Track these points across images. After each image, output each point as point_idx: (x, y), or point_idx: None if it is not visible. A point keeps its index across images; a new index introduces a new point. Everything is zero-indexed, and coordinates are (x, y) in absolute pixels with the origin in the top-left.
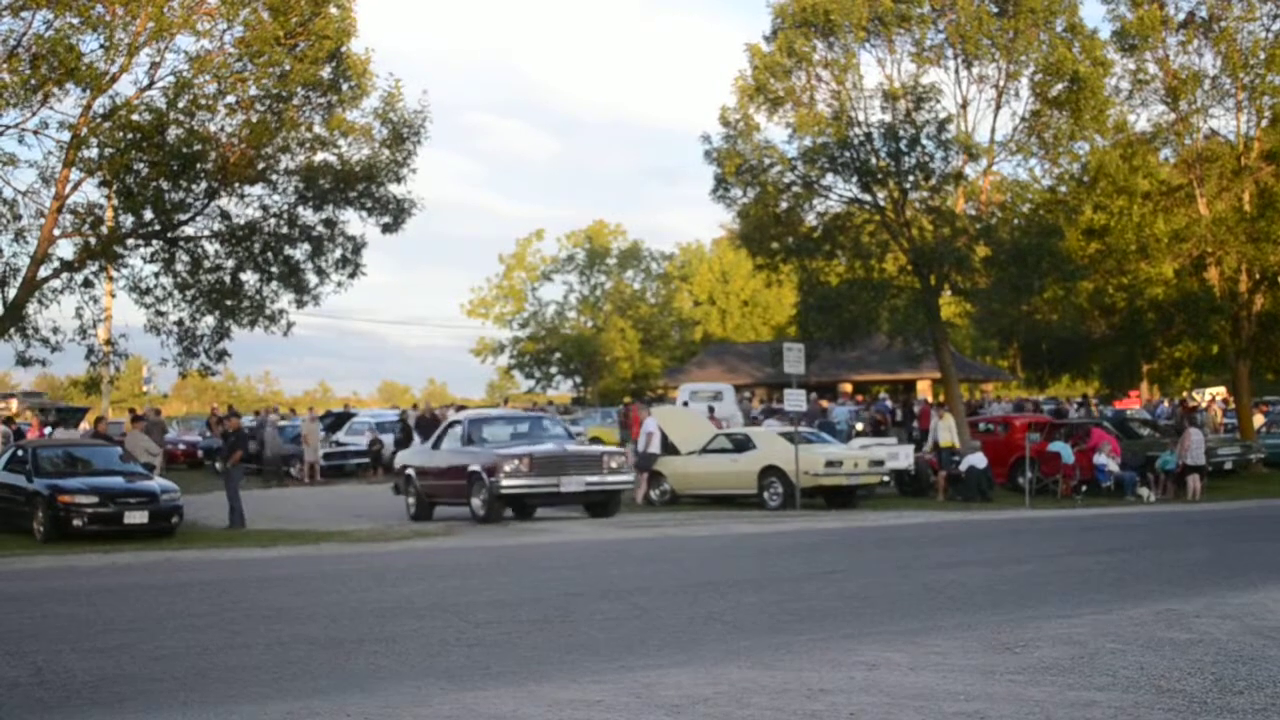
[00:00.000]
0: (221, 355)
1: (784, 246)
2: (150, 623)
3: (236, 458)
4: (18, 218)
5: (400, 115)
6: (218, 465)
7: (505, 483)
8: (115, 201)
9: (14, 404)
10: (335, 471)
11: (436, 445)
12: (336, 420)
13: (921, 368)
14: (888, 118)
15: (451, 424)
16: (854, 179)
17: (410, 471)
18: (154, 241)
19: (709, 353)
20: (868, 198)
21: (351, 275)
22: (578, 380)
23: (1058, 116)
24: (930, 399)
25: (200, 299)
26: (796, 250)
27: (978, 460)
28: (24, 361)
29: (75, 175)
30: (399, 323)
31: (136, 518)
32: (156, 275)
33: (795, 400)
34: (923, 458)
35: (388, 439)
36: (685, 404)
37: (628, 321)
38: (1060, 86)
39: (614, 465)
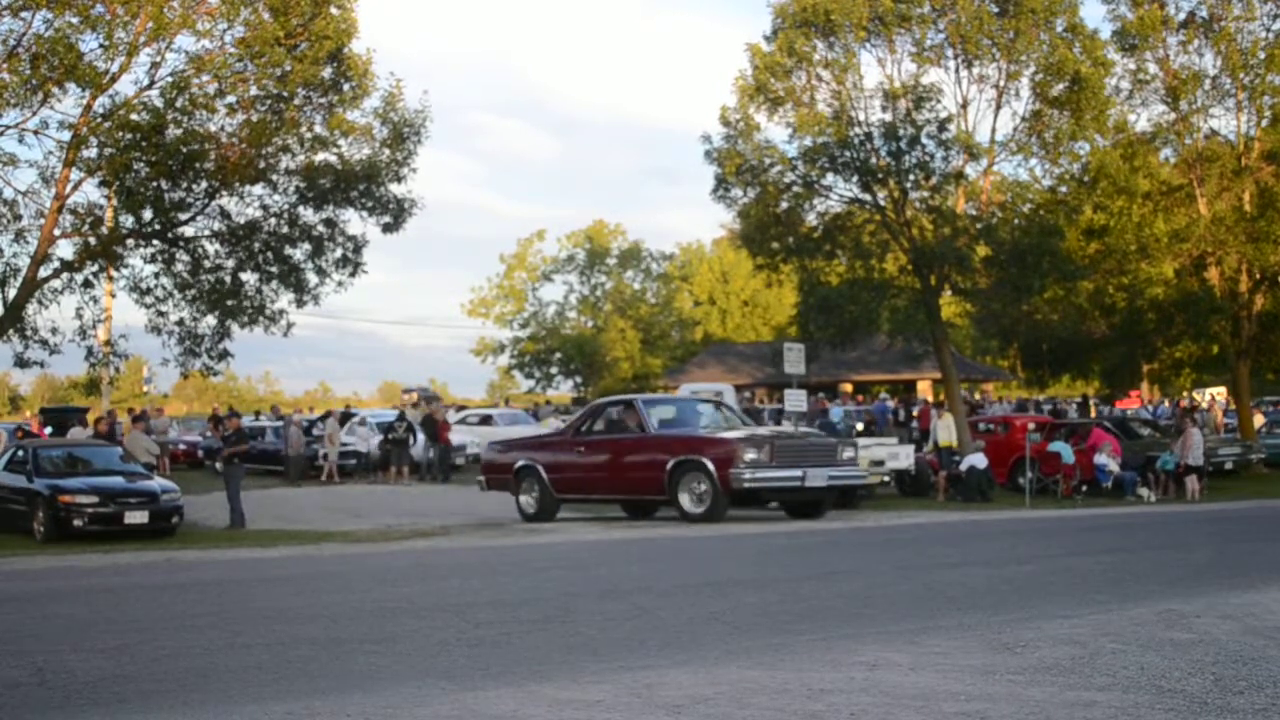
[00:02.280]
0: (223, 355)
1: (784, 246)
2: (150, 623)
3: (241, 449)
4: (18, 218)
5: (401, 115)
6: (218, 465)
7: (745, 475)
8: (115, 201)
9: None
10: (340, 471)
11: (581, 431)
12: (339, 420)
13: (922, 368)
14: (888, 117)
15: (602, 406)
16: (854, 179)
17: (534, 464)
18: (154, 241)
19: (709, 353)
20: (868, 197)
21: (352, 275)
22: (578, 380)
23: (1058, 116)
24: (930, 399)
25: (200, 299)
26: (797, 250)
27: (978, 460)
28: (22, 363)
29: (75, 175)
30: (399, 323)
31: (137, 518)
32: (157, 275)
33: (795, 400)
34: (923, 458)
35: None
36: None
37: (628, 321)
38: (1061, 86)
39: (848, 456)
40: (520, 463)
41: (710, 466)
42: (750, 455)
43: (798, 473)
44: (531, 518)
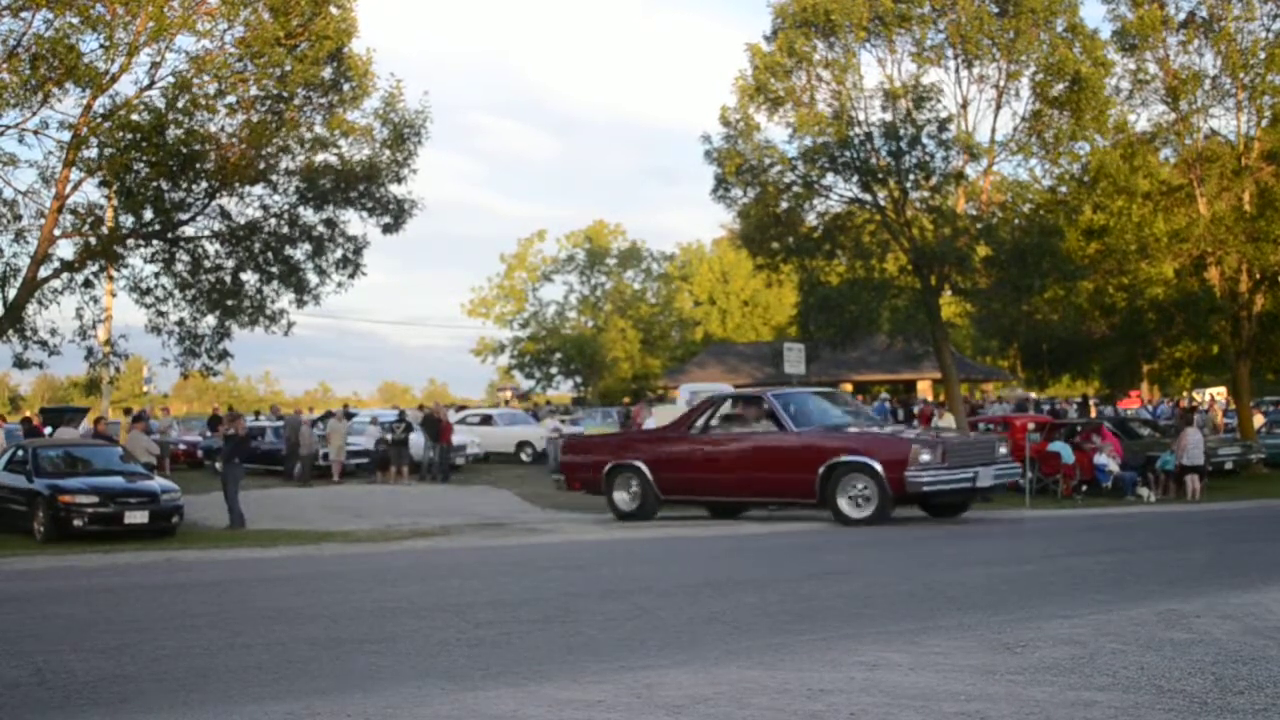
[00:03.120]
0: (223, 355)
1: (784, 246)
2: (150, 623)
3: (239, 428)
4: (18, 218)
5: (401, 115)
6: (218, 465)
7: (922, 476)
8: (115, 201)
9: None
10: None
11: (696, 427)
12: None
13: (922, 368)
14: (888, 117)
15: (720, 401)
16: (854, 179)
17: (635, 462)
18: (154, 241)
19: (709, 353)
20: (868, 197)
21: (352, 275)
22: (578, 380)
23: (1058, 116)
24: (930, 399)
25: (200, 299)
26: (797, 250)
27: None
28: (21, 364)
29: (75, 175)
30: (399, 323)
31: (137, 518)
32: (157, 275)
33: None
34: None
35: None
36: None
37: (628, 321)
38: (1061, 86)
39: (1004, 453)
40: (616, 461)
41: (878, 468)
42: (925, 456)
43: (969, 473)
44: (627, 516)
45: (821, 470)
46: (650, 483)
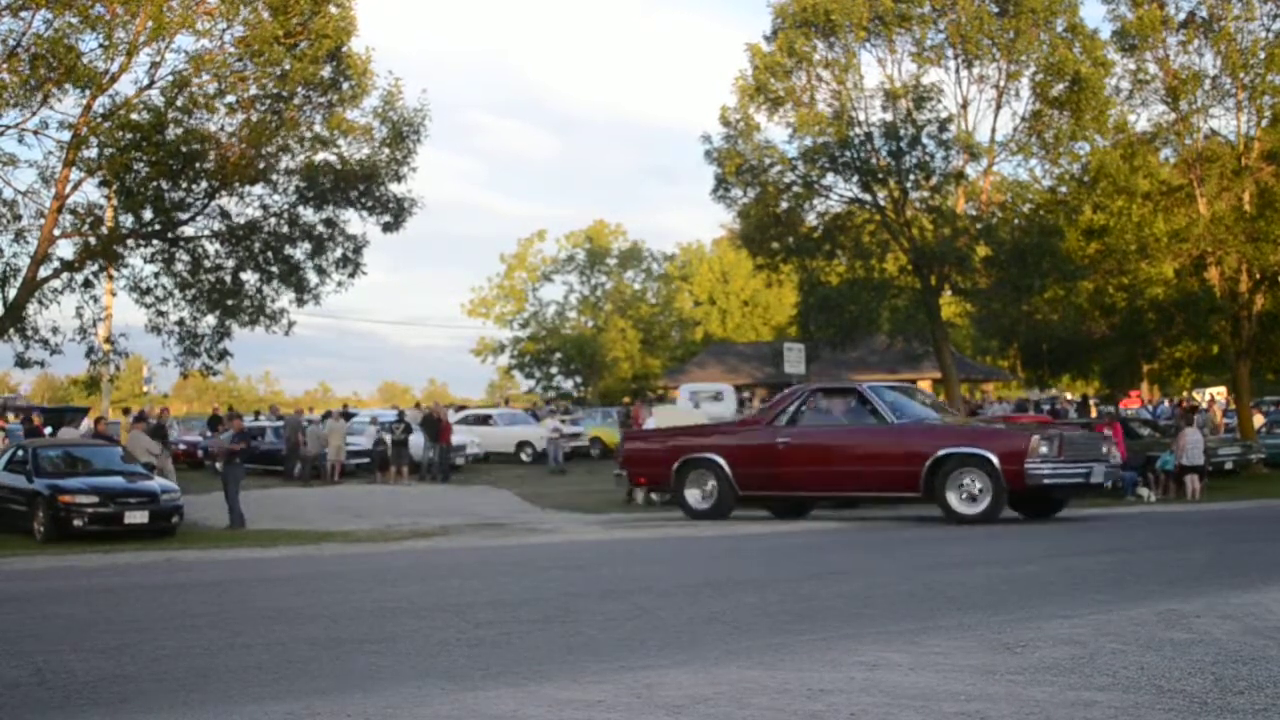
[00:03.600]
0: (223, 355)
1: (784, 246)
2: (151, 623)
3: (236, 449)
4: (18, 218)
5: (400, 114)
6: (218, 465)
7: (1043, 470)
8: (115, 201)
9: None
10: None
11: (780, 420)
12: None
13: (922, 368)
14: (888, 117)
15: (806, 393)
16: (854, 179)
17: (711, 456)
18: (154, 241)
19: (709, 353)
20: (868, 197)
21: (352, 275)
22: (578, 380)
23: (1058, 116)
24: None
25: (200, 299)
26: (797, 250)
27: None
28: (23, 363)
29: (75, 175)
30: (399, 323)
31: (137, 518)
32: (156, 275)
33: None
34: None
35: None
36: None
37: (628, 321)
38: (1061, 86)
39: (1110, 450)
40: (689, 455)
41: (994, 460)
42: (1044, 450)
43: (1084, 468)
44: (701, 514)
45: (929, 463)
46: (729, 478)
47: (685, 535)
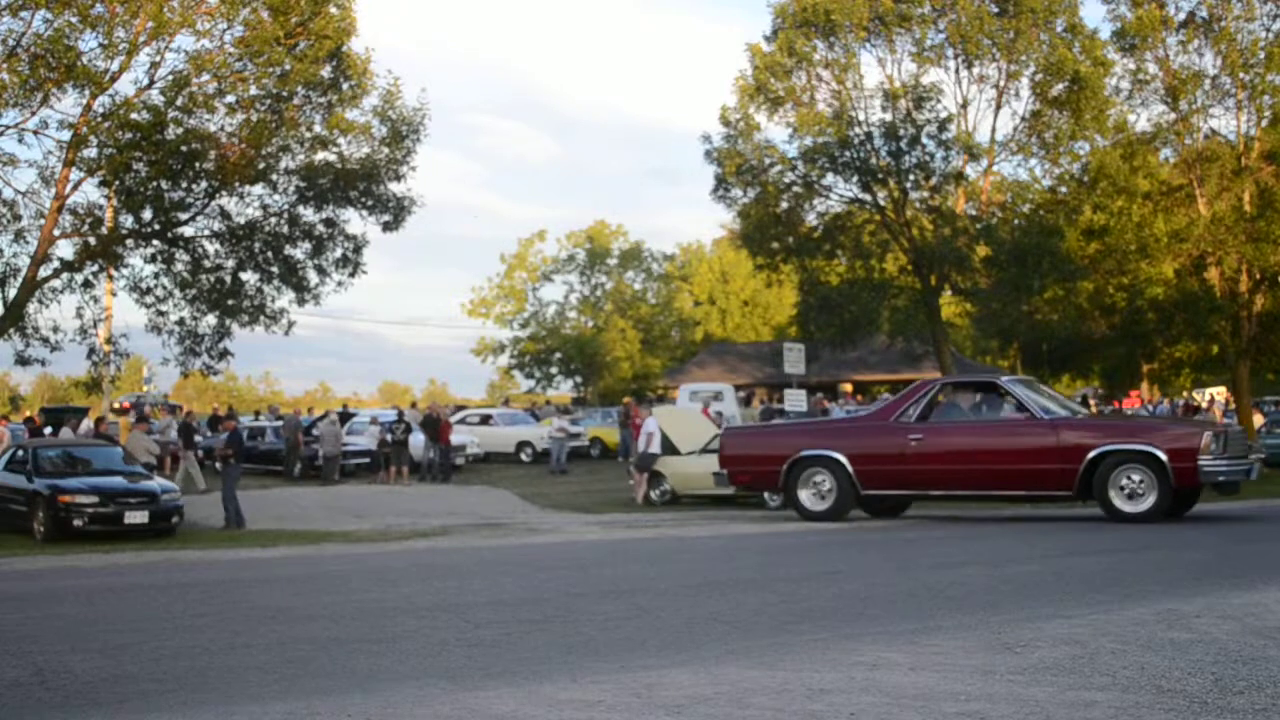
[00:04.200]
0: (223, 355)
1: (784, 246)
2: (151, 623)
3: (228, 453)
4: (18, 218)
5: (400, 114)
6: (217, 465)
7: (1216, 465)
8: (115, 201)
9: None
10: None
11: (908, 415)
12: (339, 420)
13: (922, 368)
14: (888, 117)
15: (937, 388)
16: (854, 179)
17: (830, 453)
18: (154, 241)
19: (709, 353)
20: (868, 198)
21: (352, 274)
22: (578, 380)
23: (1058, 116)
24: None
25: (200, 299)
26: (797, 250)
27: None
28: (24, 361)
29: (75, 175)
30: (399, 323)
31: (137, 518)
32: (157, 275)
33: (795, 400)
34: None
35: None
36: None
37: (628, 321)
38: (1060, 86)
39: (1251, 445)
40: (805, 452)
41: (1162, 456)
42: (1214, 445)
43: (1247, 464)
44: (816, 516)
45: (1087, 460)
46: (851, 477)
47: (685, 535)
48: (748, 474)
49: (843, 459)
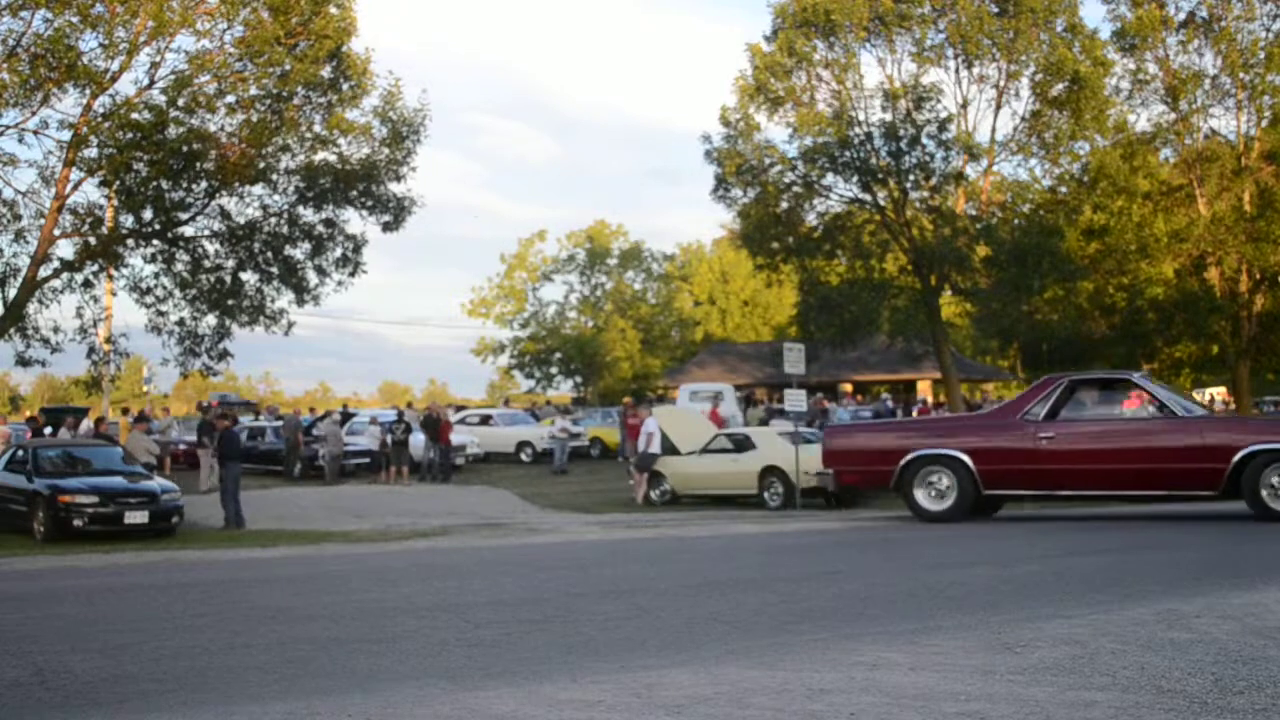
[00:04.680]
0: (223, 355)
1: (784, 246)
2: (151, 623)
3: (219, 426)
4: (18, 218)
5: (400, 114)
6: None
7: None
8: (115, 201)
9: None
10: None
11: (1034, 413)
12: (340, 420)
13: (922, 368)
14: (888, 117)
15: (1065, 384)
16: (854, 179)
17: (952, 451)
18: (154, 241)
19: (709, 353)
20: (868, 198)
21: (352, 274)
22: (578, 380)
23: (1058, 116)
24: (930, 399)
25: (200, 299)
26: (797, 250)
27: None
28: (24, 361)
29: (75, 175)
30: (399, 323)
31: (137, 518)
32: (157, 275)
33: (795, 400)
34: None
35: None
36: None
37: (628, 321)
38: (1060, 86)
39: None
40: (922, 450)
41: None
42: None
43: None
44: (935, 516)
45: (1235, 460)
46: (974, 477)
47: (685, 535)
48: (856, 473)
49: (965, 457)
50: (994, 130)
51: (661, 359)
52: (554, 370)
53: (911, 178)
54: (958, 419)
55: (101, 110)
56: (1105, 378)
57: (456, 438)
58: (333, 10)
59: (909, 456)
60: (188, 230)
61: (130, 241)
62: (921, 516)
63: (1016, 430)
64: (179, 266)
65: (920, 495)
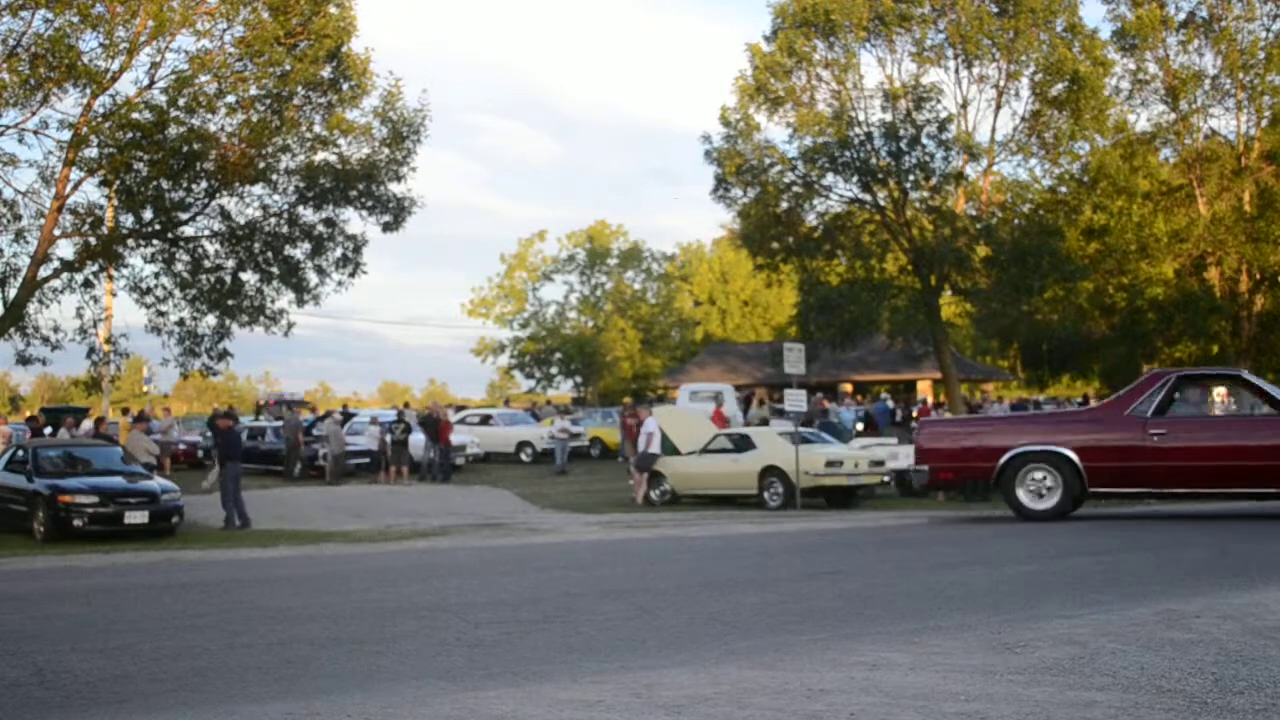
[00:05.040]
0: (223, 355)
1: (784, 246)
2: (151, 623)
3: (221, 425)
4: (18, 218)
5: (400, 114)
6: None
7: None
8: (115, 201)
9: None
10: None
11: (1142, 410)
12: (340, 420)
13: (922, 368)
14: (888, 117)
15: (1170, 380)
16: (854, 179)
17: (1057, 448)
18: (154, 241)
19: (709, 353)
20: (868, 198)
21: (352, 274)
22: (578, 380)
23: (1058, 116)
24: (930, 399)
25: (200, 299)
26: (797, 250)
27: None
28: (24, 360)
29: (75, 175)
30: (399, 323)
31: (137, 518)
32: (157, 275)
33: (795, 400)
34: None
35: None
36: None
37: (628, 321)
38: (1060, 86)
39: None
40: (1025, 446)
41: None
42: None
43: None
44: (1038, 515)
45: None
46: (1080, 474)
47: (685, 535)
48: (951, 470)
49: (1071, 455)
50: (994, 130)
51: (661, 359)
52: (554, 370)
53: (911, 178)
54: (1060, 415)
55: (101, 110)
56: (1214, 374)
57: (456, 438)
58: (333, 10)
59: (1011, 453)
60: (188, 230)
61: (130, 241)
62: (1022, 515)
63: (1126, 427)
64: (179, 266)
65: (1022, 494)
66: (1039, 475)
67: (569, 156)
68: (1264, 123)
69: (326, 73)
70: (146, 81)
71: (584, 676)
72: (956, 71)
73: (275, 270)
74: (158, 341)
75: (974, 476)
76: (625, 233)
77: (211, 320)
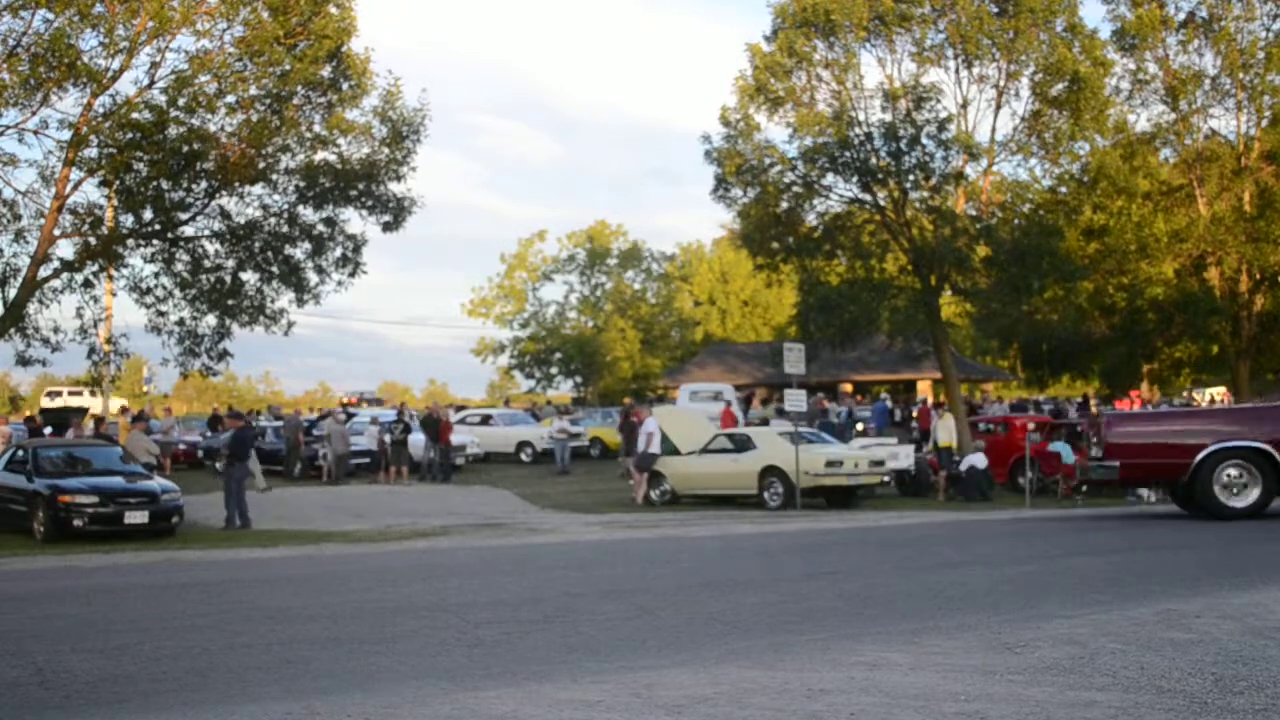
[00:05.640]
0: (223, 355)
1: (784, 246)
2: (150, 623)
3: (226, 425)
4: (18, 218)
5: (400, 114)
6: (218, 465)
7: None
8: (115, 201)
9: None
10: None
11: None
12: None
13: (922, 368)
14: (888, 117)
15: None
16: (854, 179)
17: (1260, 445)
18: (154, 241)
19: (709, 353)
20: (868, 198)
21: (352, 274)
22: (578, 380)
23: (1058, 116)
24: (930, 399)
25: (200, 299)
26: (797, 250)
27: (978, 460)
28: (24, 361)
29: (75, 175)
30: (399, 323)
31: (137, 518)
32: (157, 275)
33: (795, 400)
34: (923, 458)
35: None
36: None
37: (628, 321)
38: (1060, 86)
39: None
40: (1225, 442)
41: None
42: None
43: None
44: (1236, 514)
45: None
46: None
47: (685, 535)
48: (1143, 466)
49: (1272, 450)
50: (994, 130)
51: (661, 359)
52: (554, 370)
53: (911, 178)
54: (1256, 409)
55: (101, 110)
56: None
57: (456, 438)
58: (333, 10)
59: (1208, 449)
60: (188, 230)
61: (130, 241)
62: (1218, 514)
63: None
64: (179, 266)
65: (1219, 491)
66: (1234, 472)
67: (569, 156)
68: (1264, 123)
69: (326, 73)
70: (146, 81)
71: (584, 676)
72: (956, 71)
73: (275, 270)
74: (158, 341)
75: (1165, 474)
76: (625, 233)
77: (211, 320)
